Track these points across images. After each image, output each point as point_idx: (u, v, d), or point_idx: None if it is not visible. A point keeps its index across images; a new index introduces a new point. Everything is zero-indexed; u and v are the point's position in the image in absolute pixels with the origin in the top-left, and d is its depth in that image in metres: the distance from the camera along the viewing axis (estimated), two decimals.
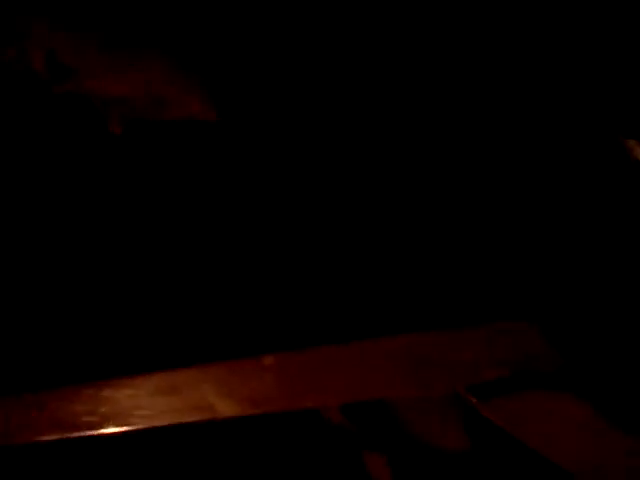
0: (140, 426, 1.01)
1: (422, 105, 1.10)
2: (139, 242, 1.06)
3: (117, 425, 1.01)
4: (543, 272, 0.96)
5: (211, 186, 1.06)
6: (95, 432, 1.02)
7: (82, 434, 1.02)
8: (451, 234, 0.99)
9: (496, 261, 0.97)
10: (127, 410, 1.01)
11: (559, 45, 1.15)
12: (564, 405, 0.94)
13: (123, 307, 1.05)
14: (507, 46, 1.14)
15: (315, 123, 1.05)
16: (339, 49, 1.08)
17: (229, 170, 1.06)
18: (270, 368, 0.99)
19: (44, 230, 1.08)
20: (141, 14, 1.13)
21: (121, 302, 1.06)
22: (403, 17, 1.14)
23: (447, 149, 1.09)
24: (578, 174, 1.09)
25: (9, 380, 1.05)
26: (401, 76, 1.11)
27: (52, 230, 1.08)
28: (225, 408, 1.00)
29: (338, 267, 1.00)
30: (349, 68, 1.07)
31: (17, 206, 1.10)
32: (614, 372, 0.95)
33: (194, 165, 1.07)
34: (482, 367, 0.95)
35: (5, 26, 1.15)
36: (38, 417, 1.03)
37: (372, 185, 1.04)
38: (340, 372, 0.98)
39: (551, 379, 0.94)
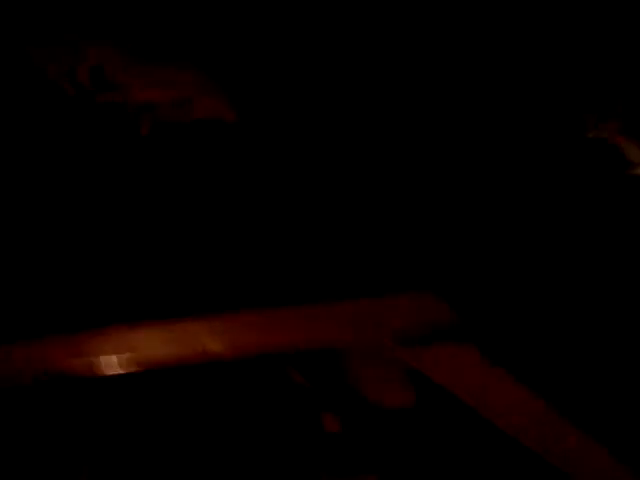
0: (148, 360, 1.33)
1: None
2: (158, 218, 1.36)
3: (135, 363, 1.33)
4: (446, 253, 1.31)
5: (225, 174, 1.37)
6: (118, 369, 1.33)
7: (106, 371, 1.33)
8: (378, 223, 1.33)
9: (409, 247, 1.32)
10: (141, 349, 1.33)
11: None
12: (468, 354, 1.30)
13: (141, 270, 1.36)
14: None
15: (323, 121, 1.37)
16: (348, 55, 1.39)
17: (245, 161, 1.37)
18: (251, 322, 1.32)
19: (87, 206, 1.38)
20: (169, 32, 1.44)
21: (139, 267, 1.37)
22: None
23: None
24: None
25: (44, 324, 1.34)
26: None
27: (93, 207, 1.38)
28: (216, 351, 1.32)
29: (302, 248, 1.34)
30: (357, 72, 1.38)
31: (63, 186, 1.40)
32: (506, 329, 1.30)
33: (214, 159, 1.39)
34: (404, 324, 1.31)
35: (54, 45, 1.44)
36: (70, 354, 1.34)
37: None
38: (301, 326, 1.32)
39: (455, 334, 1.29)
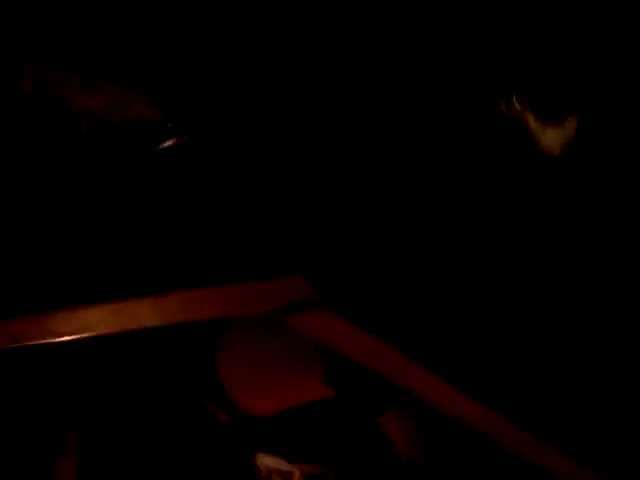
0: (100, 332, 1.77)
1: None
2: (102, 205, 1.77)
3: (88, 332, 1.76)
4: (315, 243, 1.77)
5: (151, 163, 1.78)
6: (71, 337, 1.76)
7: (63, 339, 1.76)
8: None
9: (285, 244, 1.77)
10: (93, 323, 1.77)
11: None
12: (334, 318, 1.78)
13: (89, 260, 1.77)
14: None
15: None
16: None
17: (167, 153, 1.77)
18: (176, 300, 1.77)
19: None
20: (104, 49, 1.78)
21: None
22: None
23: None
24: None
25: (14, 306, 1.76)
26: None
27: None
28: (150, 322, 1.77)
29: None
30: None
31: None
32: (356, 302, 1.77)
33: (141, 149, 1.78)
34: (287, 298, 1.77)
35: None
36: (37, 328, 1.76)
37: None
38: (215, 301, 1.78)
39: (320, 305, 1.77)
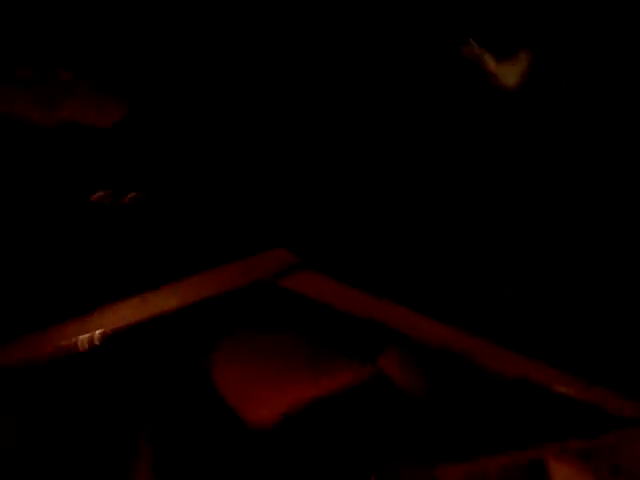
0: (133, 321, 2.16)
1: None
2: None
3: (122, 320, 2.16)
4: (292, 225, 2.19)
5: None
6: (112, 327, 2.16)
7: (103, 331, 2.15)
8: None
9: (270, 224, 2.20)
10: (127, 315, 2.17)
11: None
12: (317, 276, 2.17)
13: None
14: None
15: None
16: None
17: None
18: (188, 283, 2.18)
19: None
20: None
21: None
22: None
23: None
24: None
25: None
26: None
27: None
28: (169, 306, 2.17)
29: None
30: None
31: None
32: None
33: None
34: (276, 267, 2.18)
35: None
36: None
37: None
38: (220, 278, 2.18)
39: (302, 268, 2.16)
